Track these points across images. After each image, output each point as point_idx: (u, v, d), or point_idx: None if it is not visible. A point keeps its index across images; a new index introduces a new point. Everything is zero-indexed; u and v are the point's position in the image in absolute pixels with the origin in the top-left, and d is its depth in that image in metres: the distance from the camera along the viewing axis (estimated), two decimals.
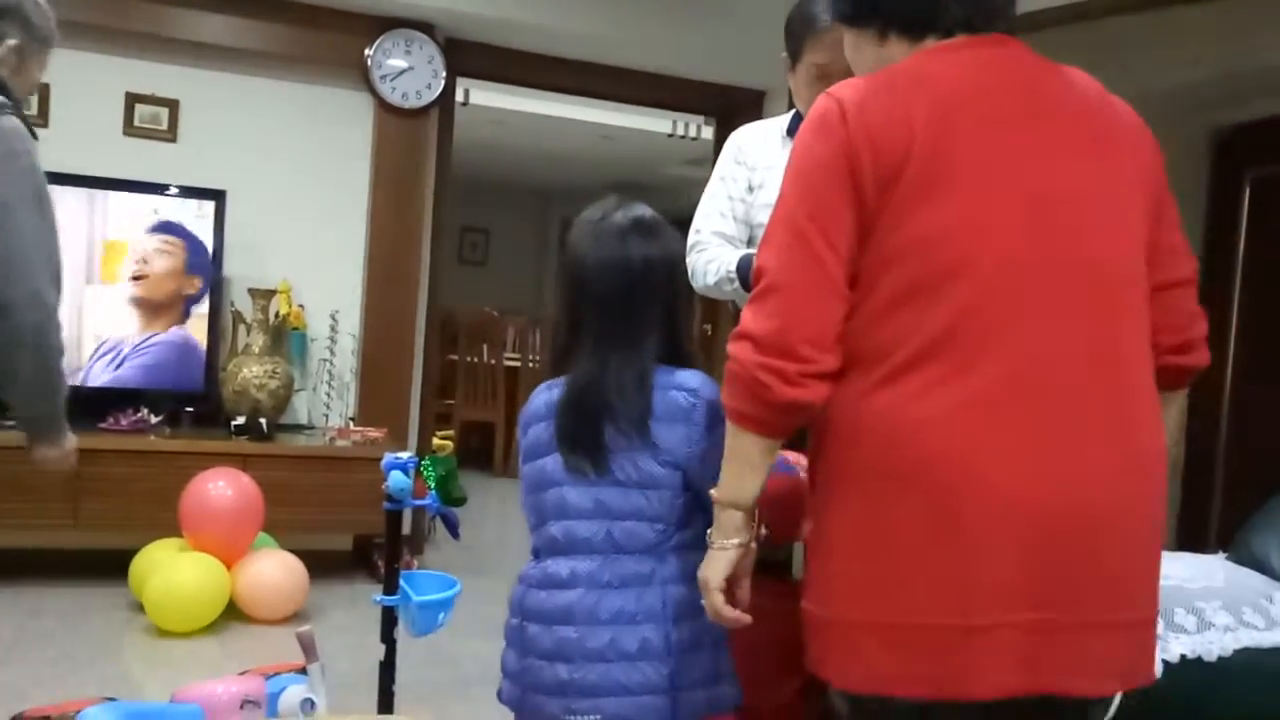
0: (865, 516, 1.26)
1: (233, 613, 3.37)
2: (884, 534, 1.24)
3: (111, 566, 3.47)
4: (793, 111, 2.27)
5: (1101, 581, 1.24)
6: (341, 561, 4.08)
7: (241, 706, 2.29)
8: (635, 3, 4.24)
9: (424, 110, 4.32)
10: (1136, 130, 1.36)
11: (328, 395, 4.26)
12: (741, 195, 2.27)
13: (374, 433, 3.99)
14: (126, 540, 3.49)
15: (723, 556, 1.35)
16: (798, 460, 1.69)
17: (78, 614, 3.35)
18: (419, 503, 2.27)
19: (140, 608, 3.31)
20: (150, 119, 4.06)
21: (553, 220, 9.51)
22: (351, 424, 4.18)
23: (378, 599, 2.20)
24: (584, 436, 1.51)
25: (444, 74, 4.30)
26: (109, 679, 2.86)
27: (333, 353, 4.23)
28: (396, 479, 2.14)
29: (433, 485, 2.28)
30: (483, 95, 5.99)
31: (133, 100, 4.03)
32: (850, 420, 1.27)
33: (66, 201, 3.72)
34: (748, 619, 1.37)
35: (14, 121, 2.01)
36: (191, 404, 3.91)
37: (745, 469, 1.32)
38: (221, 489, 3.38)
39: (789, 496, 1.60)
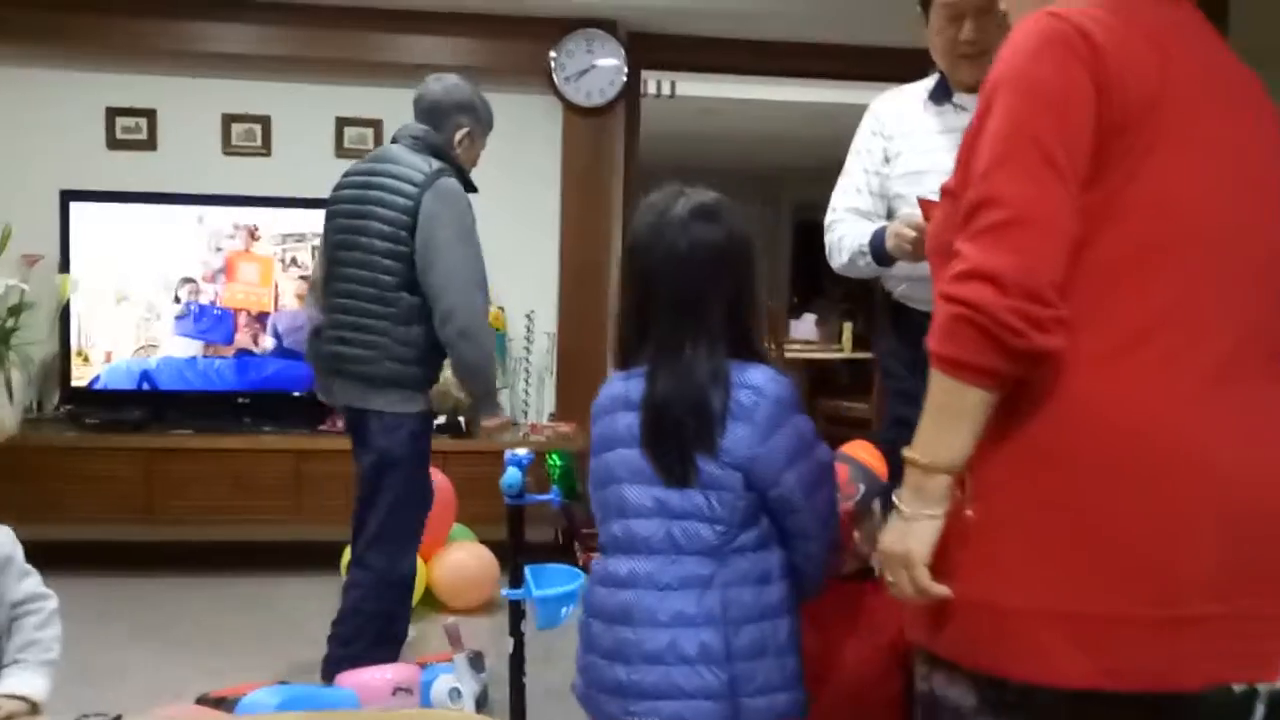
0: (1061, 498, 1.16)
1: (430, 601, 3.57)
2: (1084, 518, 1.15)
3: (330, 557, 3.77)
4: (936, 76, 2.14)
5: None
6: (539, 551, 4.20)
7: (394, 693, 2.42)
8: None
9: (609, 107, 4.37)
10: (1270, 104, 1.30)
11: (525, 392, 4.41)
12: (877, 168, 2.17)
13: (564, 427, 4.09)
14: (342, 534, 3.77)
15: (929, 527, 1.20)
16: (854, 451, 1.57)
17: (295, 603, 3.67)
18: (540, 498, 2.29)
19: None
20: (357, 139, 4.36)
21: (784, 204, 9.37)
22: (551, 418, 4.31)
23: (505, 593, 2.24)
24: (670, 439, 1.45)
25: (625, 69, 4.33)
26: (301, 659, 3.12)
27: (529, 351, 4.38)
28: (510, 476, 2.18)
29: (555, 480, 2.30)
30: (690, 86, 5.98)
31: (342, 124, 4.36)
32: (1056, 391, 1.16)
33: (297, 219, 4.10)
34: (950, 595, 1.21)
35: (453, 182, 2.74)
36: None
37: (962, 428, 1.17)
38: None
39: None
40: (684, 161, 8.02)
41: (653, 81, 5.17)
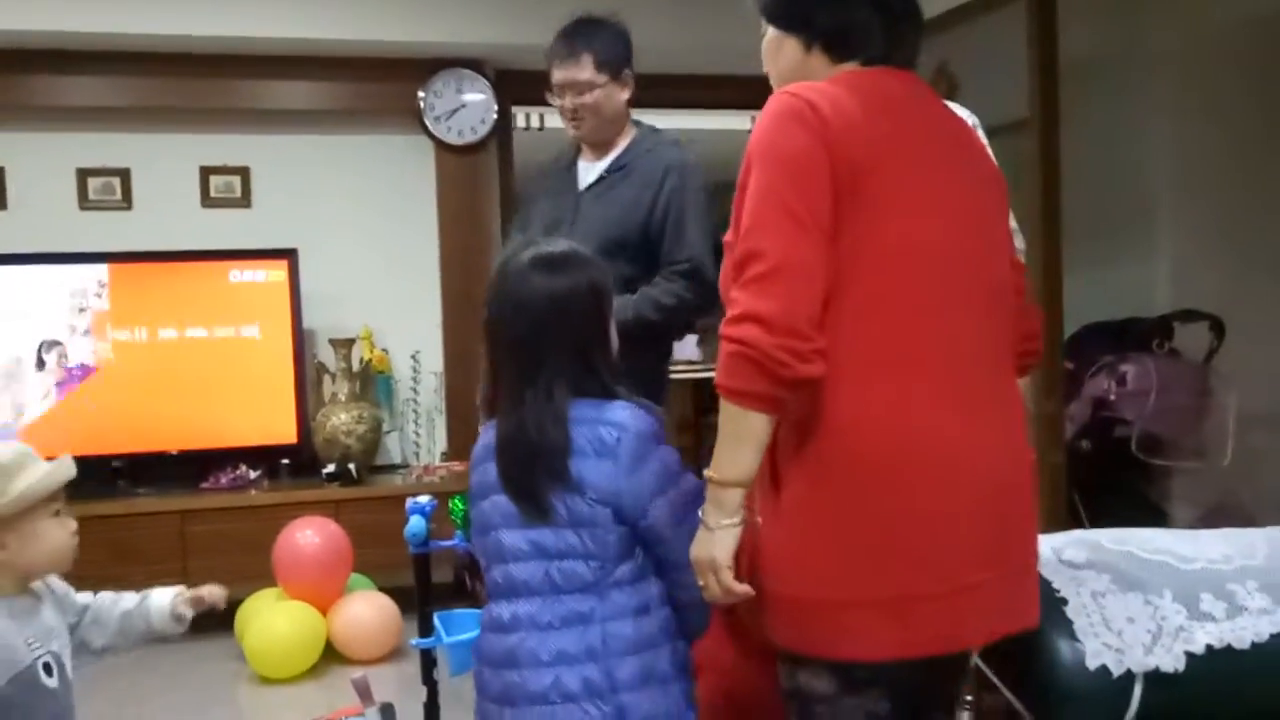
0: (853, 501, 1.36)
1: (333, 655, 3.50)
2: (867, 517, 1.35)
3: (222, 619, 3.65)
4: None
5: (1026, 534, 1.46)
6: (443, 594, 4.17)
7: None
8: (662, 13, 4.19)
9: (481, 144, 4.39)
10: (993, 164, 1.57)
11: (416, 434, 4.37)
12: None
13: (458, 466, 4.07)
14: (234, 592, 3.66)
15: (729, 534, 1.38)
16: None
17: (191, 665, 3.55)
18: (446, 544, 2.30)
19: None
20: (225, 188, 4.27)
21: None
22: (444, 458, 4.29)
23: (414, 642, 2.23)
24: (521, 481, 1.49)
25: (495, 105, 4.36)
26: None
27: (417, 392, 4.35)
28: (414, 524, 2.18)
29: (459, 524, 2.30)
30: (557, 119, 6.05)
31: (207, 173, 4.26)
32: (831, 414, 1.36)
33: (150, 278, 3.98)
34: (752, 592, 1.40)
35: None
36: (287, 456, 4.09)
37: (748, 448, 1.36)
38: (309, 537, 3.51)
39: None
40: None
41: (522, 115, 5.22)
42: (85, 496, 3.81)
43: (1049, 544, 1.75)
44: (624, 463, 1.47)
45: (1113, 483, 4.00)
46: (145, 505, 3.84)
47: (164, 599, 1.81)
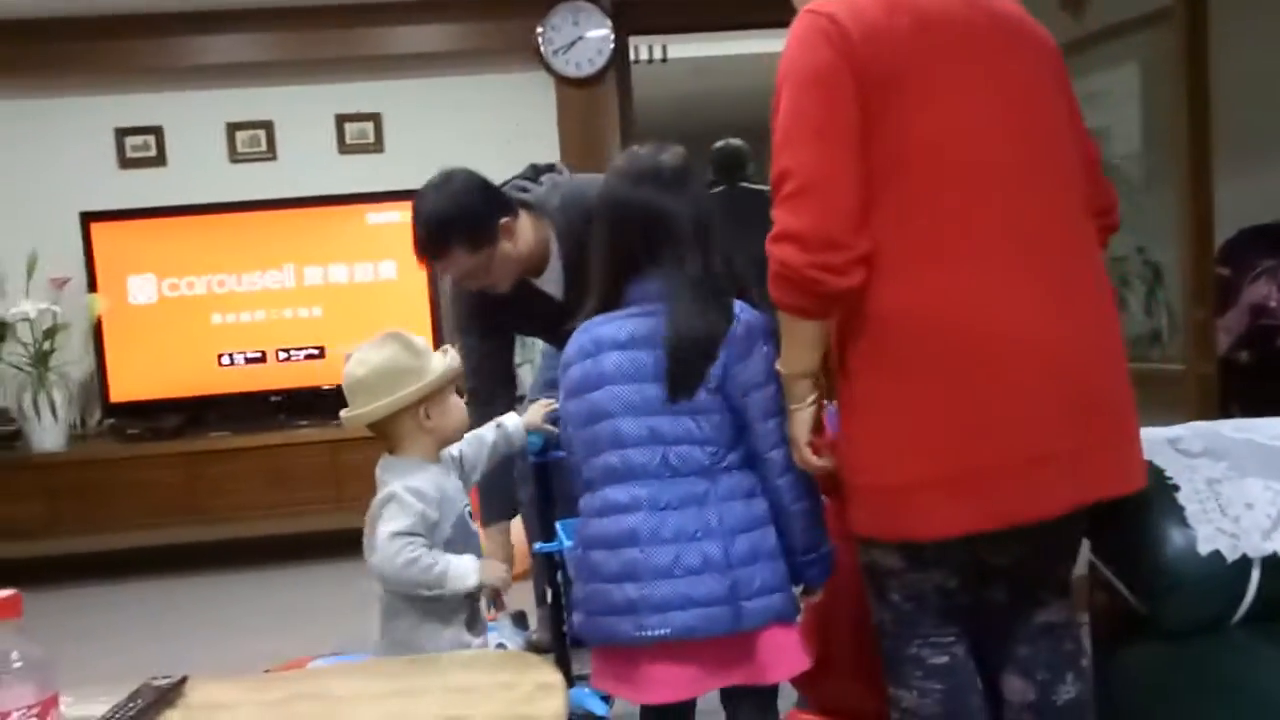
0: (912, 387, 1.41)
1: None
2: (940, 399, 1.40)
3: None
4: None
5: (1112, 404, 1.46)
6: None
7: None
8: None
9: (599, 76, 4.43)
10: (1048, 39, 1.54)
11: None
12: None
13: None
14: None
15: (803, 414, 1.52)
16: None
17: (341, 586, 3.80)
18: (561, 454, 2.37)
19: None
20: (359, 135, 4.46)
21: None
22: None
23: (538, 547, 2.33)
24: (691, 373, 1.56)
25: (613, 37, 4.38)
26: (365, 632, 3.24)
27: None
28: (533, 437, 2.25)
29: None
30: (680, 48, 6.02)
31: (342, 121, 4.45)
32: (886, 305, 1.42)
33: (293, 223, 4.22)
34: (831, 466, 1.53)
35: None
36: None
37: (806, 347, 1.49)
38: None
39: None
40: (684, 123, 8.01)
41: (643, 47, 5.23)
42: (248, 429, 4.12)
43: (1165, 434, 1.69)
44: (735, 350, 1.55)
45: (1276, 395, 3.77)
46: (302, 436, 4.11)
47: (517, 421, 2.02)
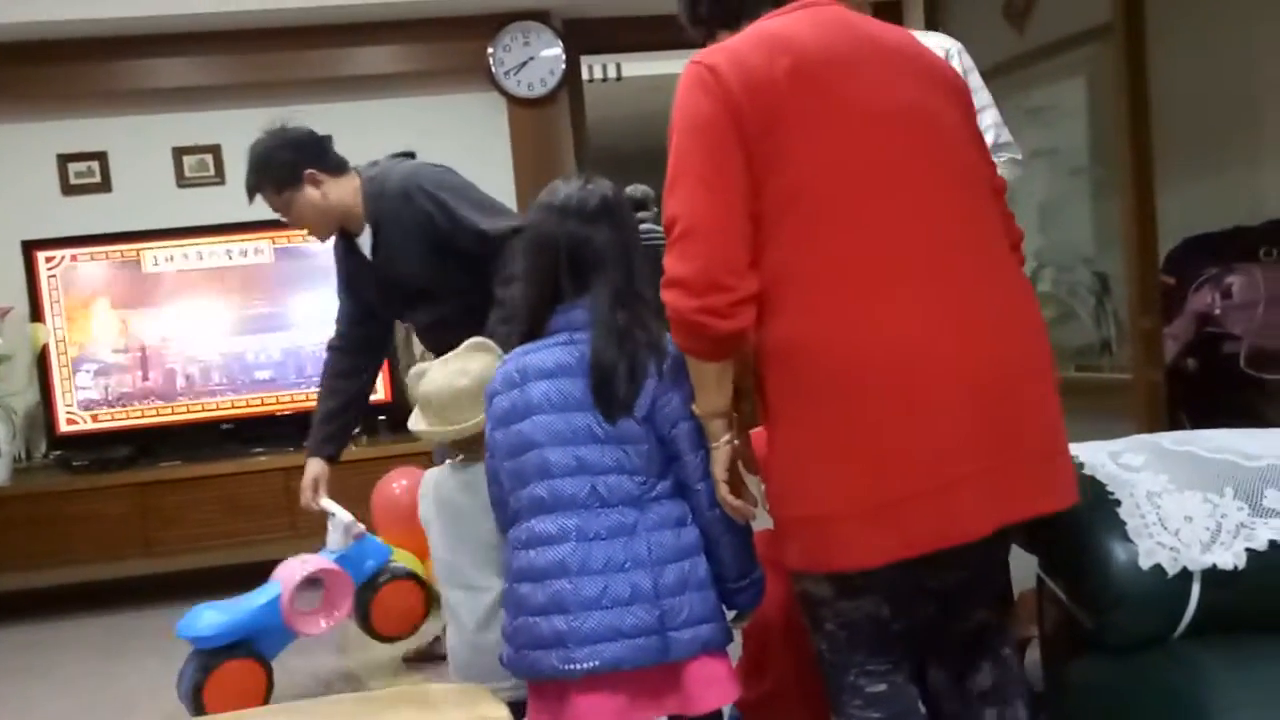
0: (821, 418, 1.43)
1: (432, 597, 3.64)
2: (848, 428, 1.41)
3: None
4: None
5: (1033, 419, 1.45)
6: None
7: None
8: None
9: (551, 96, 4.42)
10: (947, 68, 1.60)
11: None
12: None
13: None
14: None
15: (719, 454, 1.54)
16: None
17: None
18: None
19: None
20: None
21: None
22: None
23: None
24: (616, 394, 1.57)
25: (564, 57, 4.38)
26: (336, 672, 3.19)
27: None
28: None
29: None
30: (634, 66, 6.04)
31: None
32: (787, 339, 1.44)
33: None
34: (752, 511, 1.57)
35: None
36: (382, 413, 4.24)
37: (712, 389, 1.52)
38: (404, 486, 3.65)
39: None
40: (640, 142, 8.01)
41: (597, 66, 5.23)
42: (200, 458, 4.06)
43: (1106, 449, 1.70)
44: (664, 384, 1.56)
45: (1223, 402, 3.83)
46: (255, 464, 4.05)
47: None
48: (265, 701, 2.63)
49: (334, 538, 2.94)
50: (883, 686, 1.53)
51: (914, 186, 1.45)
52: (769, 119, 1.42)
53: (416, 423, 1.84)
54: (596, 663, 1.49)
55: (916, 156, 1.46)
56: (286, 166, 2.71)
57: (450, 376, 1.79)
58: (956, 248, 1.45)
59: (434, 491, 1.89)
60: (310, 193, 2.72)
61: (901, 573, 1.44)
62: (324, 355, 2.98)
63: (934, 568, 1.48)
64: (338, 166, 2.77)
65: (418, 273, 2.71)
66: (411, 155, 2.95)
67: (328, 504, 2.89)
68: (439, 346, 2.73)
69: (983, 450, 1.40)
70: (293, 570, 2.82)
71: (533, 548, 1.56)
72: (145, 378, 4.21)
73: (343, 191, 2.74)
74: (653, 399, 1.55)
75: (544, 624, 1.52)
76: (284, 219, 2.79)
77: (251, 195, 2.74)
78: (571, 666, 1.50)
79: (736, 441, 1.55)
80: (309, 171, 2.71)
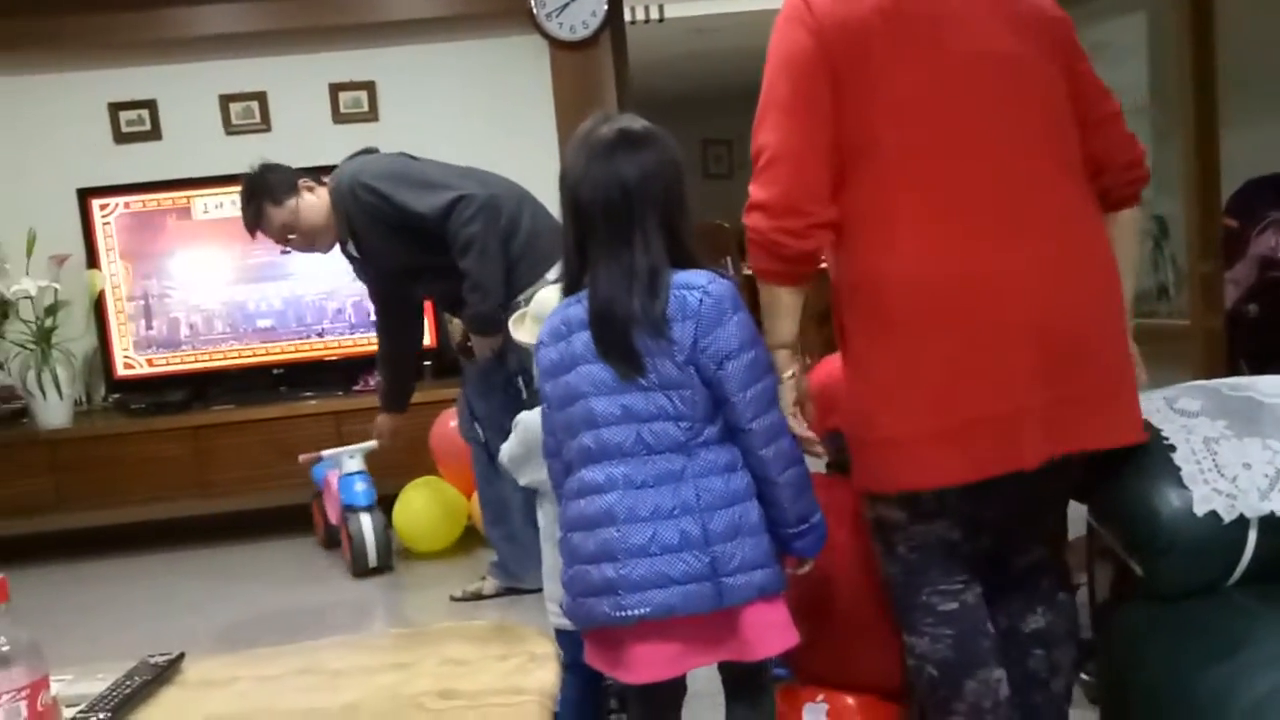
0: (895, 346, 1.51)
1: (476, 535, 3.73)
2: (923, 355, 1.48)
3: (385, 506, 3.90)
4: None
5: (1097, 355, 1.50)
6: None
7: None
8: None
9: (594, 38, 4.36)
10: (1048, 7, 1.59)
11: None
12: None
13: None
14: (384, 485, 3.89)
15: (787, 387, 1.60)
16: None
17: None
18: None
19: None
20: (354, 104, 4.42)
21: None
22: None
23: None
24: (617, 347, 1.53)
25: None
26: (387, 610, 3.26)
27: None
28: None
29: None
30: (678, 7, 5.94)
31: (336, 90, 4.42)
32: (865, 270, 1.53)
33: None
34: (814, 436, 1.63)
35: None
36: (429, 358, 4.28)
37: (781, 316, 1.60)
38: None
39: (831, 385, 1.69)
40: (684, 85, 7.95)
41: (639, 8, 5.15)
42: (251, 401, 4.13)
43: (1162, 394, 1.67)
44: (704, 323, 1.51)
45: None
46: (304, 408, 4.12)
47: None
48: None
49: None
50: (954, 605, 1.58)
51: (997, 133, 1.50)
52: (859, 56, 1.48)
53: (527, 335, 1.84)
54: (647, 609, 1.48)
55: (1004, 103, 1.51)
56: (282, 178, 3.06)
57: (555, 292, 1.76)
58: (1035, 192, 1.50)
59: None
60: (309, 197, 3.05)
61: (968, 498, 1.52)
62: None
63: (988, 496, 1.53)
64: (315, 182, 3.10)
65: (395, 256, 3.01)
66: (373, 151, 3.20)
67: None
68: (456, 313, 3.21)
69: (1041, 384, 1.46)
70: None
71: (583, 497, 1.55)
72: (193, 323, 4.28)
73: (325, 199, 3.06)
74: (694, 340, 1.51)
75: (595, 572, 1.52)
76: (291, 239, 3.09)
77: (254, 226, 3.06)
78: (623, 614, 1.49)
79: (803, 376, 1.62)
80: (302, 180, 3.07)
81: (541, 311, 1.76)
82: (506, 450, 1.99)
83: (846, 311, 1.59)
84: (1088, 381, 1.49)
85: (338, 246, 3.15)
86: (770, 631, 1.54)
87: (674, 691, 1.66)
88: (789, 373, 1.59)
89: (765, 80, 1.54)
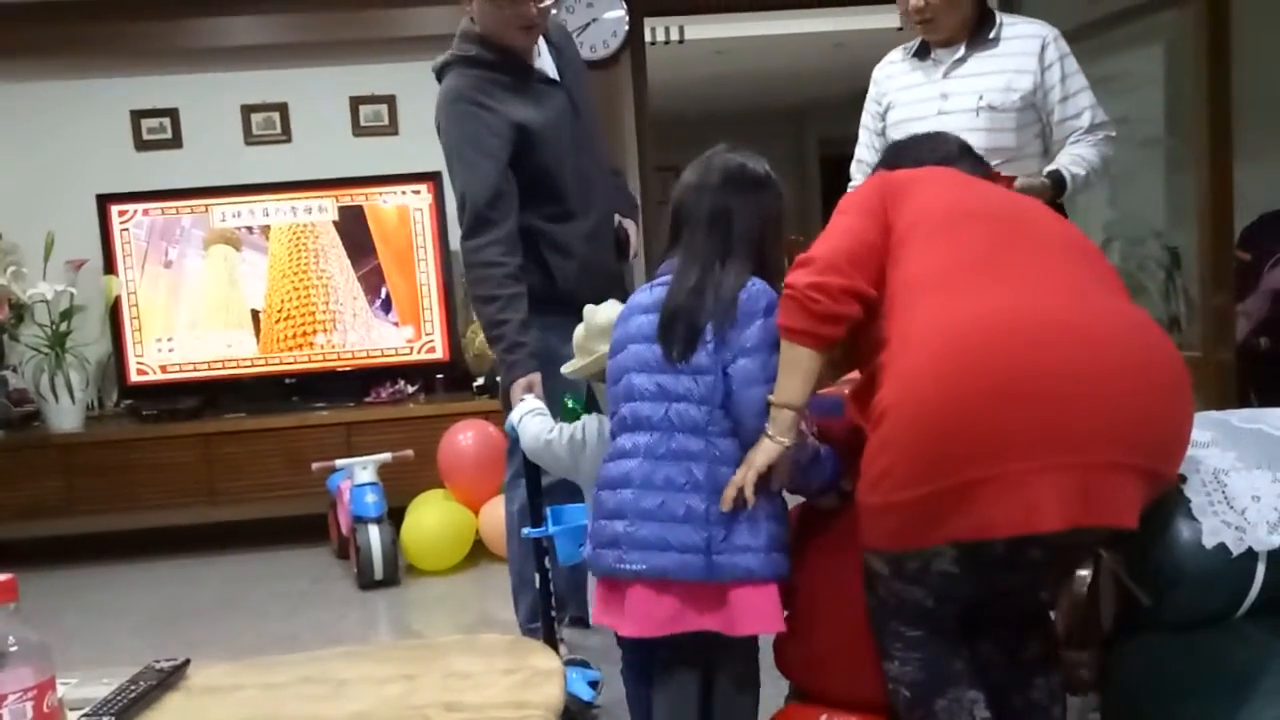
0: (939, 403, 1.47)
1: (483, 551, 3.72)
2: (955, 412, 1.45)
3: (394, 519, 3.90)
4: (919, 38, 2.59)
5: (1111, 430, 1.44)
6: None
7: None
8: None
9: (614, 59, 4.39)
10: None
11: None
12: (876, 126, 2.63)
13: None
14: (394, 497, 3.90)
15: (772, 448, 1.62)
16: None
17: (350, 568, 3.82)
18: None
19: None
20: (373, 117, 4.46)
21: (809, 139, 9.30)
22: None
23: (526, 532, 2.33)
24: (683, 334, 1.68)
25: (628, 19, 4.35)
26: (373, 615, 3.26)
27: None
28: (509, 424, 2.26)
29: (566, 419, 2.36)
30: (697, 29, 5.97)
31: (356, 103, 4.46)
32: (908, 346, 1.53)
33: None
34: (748, 506, 1.64)
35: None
36: (441, 372, 4.29)
37: (797, 377, 1.61)
38: (469, 439, 3.73)
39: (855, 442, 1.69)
40: (703, 105, 7.98)
41: (660, 29, 5.18)
42: (263, 410, 4.15)
43: None
44: (731, 316, 1.67)
45: None
46: (316, 418, 4.13)
47: None
48: None
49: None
50: (920, 632, 1.60)
51: (1024, 245, 1.60)
52: (900, 198, 1.67)
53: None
54: (644, 567, 1.64)
55: (1019, 216, 1.67)
56: None
57: (608, 310, 1.93)
58: (1063, 275, 1.57)
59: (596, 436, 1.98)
60: None
61: (954, 578, 1.52)
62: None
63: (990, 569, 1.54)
64: None
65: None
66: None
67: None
68: None
69: (1049, 449, 1.44)
70: None
71: (613, 460, 1.73)
72: (206, 331, 4.30)
73: None
74: (719, 330, 1.66)
75: (609, 526, 1.69)
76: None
77: None
78: (624, 566, 1.66)
79: (791, 448, 1.63)
80: None
81: (592, 317, 1.94)
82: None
83: (866, 385, 1.62)
84: (1101, 452, 1.46)
85: None
86: (752, 614, 1.65)
87: (650, 667, 1.78)
88: (786, 439, 1.61)
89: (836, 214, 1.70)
